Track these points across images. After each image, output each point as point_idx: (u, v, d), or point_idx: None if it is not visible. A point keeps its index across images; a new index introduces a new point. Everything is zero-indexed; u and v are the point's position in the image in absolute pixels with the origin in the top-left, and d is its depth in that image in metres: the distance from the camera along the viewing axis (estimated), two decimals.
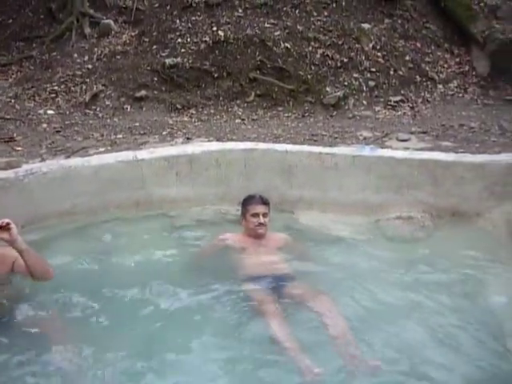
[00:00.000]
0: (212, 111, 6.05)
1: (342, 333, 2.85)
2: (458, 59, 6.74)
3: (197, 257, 3.71)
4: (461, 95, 6.23)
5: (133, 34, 7.06)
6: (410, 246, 4.01)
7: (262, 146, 4.55)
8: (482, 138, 4.82)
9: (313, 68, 6.28)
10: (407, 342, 2.94)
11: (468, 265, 3.73)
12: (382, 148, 4.58)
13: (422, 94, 6.23)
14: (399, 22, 7.07)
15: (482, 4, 7.00)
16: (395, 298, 3.33)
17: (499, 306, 3.22)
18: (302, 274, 3.43)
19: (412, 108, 5.95)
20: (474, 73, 6.49)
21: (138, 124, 5.62)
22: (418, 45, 6.84)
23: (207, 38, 6.61)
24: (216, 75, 6.34)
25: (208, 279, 3.43)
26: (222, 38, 6.56)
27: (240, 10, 7.01)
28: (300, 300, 3.13)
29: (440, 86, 6.35)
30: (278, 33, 6.56)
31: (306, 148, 4.51)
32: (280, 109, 6.01)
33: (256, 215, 3.52)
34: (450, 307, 3.28)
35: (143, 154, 4.49)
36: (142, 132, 5.36)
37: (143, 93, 6.26)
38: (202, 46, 6.56)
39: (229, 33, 6.61)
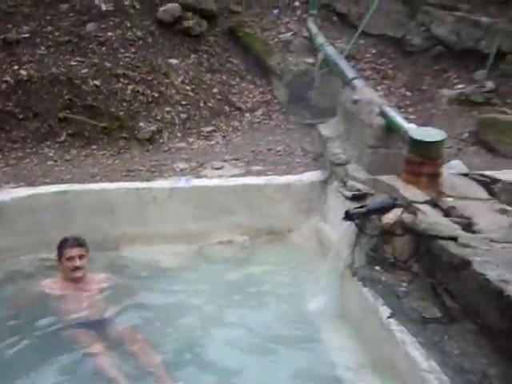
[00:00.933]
0: (20, 154, 5.71)
1: (156, 371, 2.94)
2: (261, 89, 7.29)
3: (14, 308, 3.49)
4: (266, 122, 6.72)
5: None
6: (233, 268, 4.24)
7: (76, 186, 4.47)
8: (288, 160, 5.28)
9: (124, 104, 6.30)
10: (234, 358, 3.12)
11: (286, 277, 4.08)
12: (198, 178, 4.77)
13: (232, 123, 6.61)
14: (205, 56, 7.44)
15: (276, 39, 7.69)
16: (223, 319, 3.51)
17: (315, 310, 3.56)
18: (124, 312, 3.43)
19: (224, 137, 6.27)
20: (276, 101, 7.06)
21: None
22: (224, 77, 7.26)
23: (8, 78, 6.26)
24: (21, 116, 6.02)
25: (28, 330, 3.27)
26: (25, 78, 6.26)
27: (43, 48, 6.77)
28: (119, 342, 3.15)
29: (247, 115, 6.80)
30: (85, 70, 6.47)
31: (123, 185, 4.54)
32: (94, 147, 5.91)
33: (71, 259, 3.44)
34: (273, 317, 3.56)
35: None
36: None
37: None
38: (3, 86, 6.18)
39: (32, 71, 6.33)
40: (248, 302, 3.73)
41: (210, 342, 3.26)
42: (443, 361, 2.34)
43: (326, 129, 5.24)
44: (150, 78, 6.69)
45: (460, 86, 6.95)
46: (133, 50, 6.97)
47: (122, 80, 6.52)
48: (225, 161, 5.30)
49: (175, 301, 3.69)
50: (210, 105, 6.75)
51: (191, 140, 6.15)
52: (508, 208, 3.29)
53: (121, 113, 6.21)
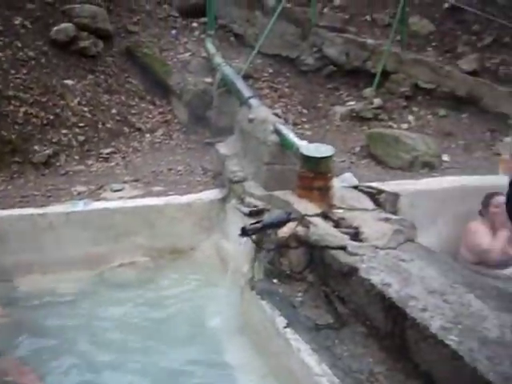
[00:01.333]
0: None
1: None
2: (161, 109, 7.29)
3: None
4: (167, 142, 6.72)
5: None
6: (135, 289, 4.19)
7: None
8: (188, 179, 5.32)
9: (17, 127, 6.03)
10: None
11: (189, 295, 4.11)
12: (97, 200, 4.69)
13: (132, 144, 6.54)
14: (102, 77, 7.32)
15: (175, 59, 7.74)
16: (124, 343, 3.46)
17: (217, 326, 3.62)
18: (15, 346, 3.29)
19: (124, 158, 6.19)
20: (176, 121, 7.08)
21: None
22: (123, 98, 7.18)
23: None
24: None
25: None
26: None
27: None
28: (5, 377, 3.03)
29: (148, 135, 6.77)
30: None
31: (15, 211, 4.36)
32: None
33: None
34: (176, 335, 3.57)
35: None
36: None
37: None
38: None
39: None
40: (150, 323, 3.72)
41: (109, 368, 3.20)
42: (334, 364, 2.48)
43: (224, 147, 5.35)
44: (44, 99, 6.47)
45: (351, 103, 7.39)
46: (24, 71, 6.72)
47: (13, 102, 6.25)
48: (125, 182, 5.25)
49: (73, 330, 3.58)
50: (108, 126, 6.65)
51: (90, 162, 6.02)
52: (391, 216, 3.55)
53: (13, 136, 5.95)
